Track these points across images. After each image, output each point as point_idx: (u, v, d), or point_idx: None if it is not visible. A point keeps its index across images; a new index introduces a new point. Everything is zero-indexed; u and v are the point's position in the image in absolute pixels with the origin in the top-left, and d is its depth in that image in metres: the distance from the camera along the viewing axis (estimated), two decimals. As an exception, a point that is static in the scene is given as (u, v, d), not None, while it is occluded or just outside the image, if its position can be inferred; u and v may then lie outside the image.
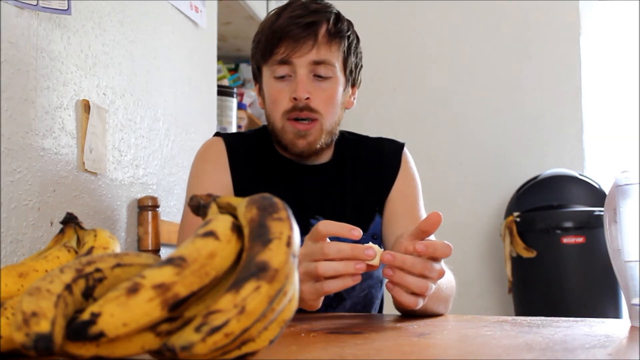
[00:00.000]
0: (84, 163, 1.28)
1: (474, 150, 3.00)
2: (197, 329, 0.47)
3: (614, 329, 0.83)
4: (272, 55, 1.21)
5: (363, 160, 1.34)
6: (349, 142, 1.35)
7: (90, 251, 0.72)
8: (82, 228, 0.78)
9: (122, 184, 1.44)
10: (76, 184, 1.27)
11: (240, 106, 2.54)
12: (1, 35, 1.08)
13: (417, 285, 0.87)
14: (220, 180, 1.27)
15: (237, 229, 0.54)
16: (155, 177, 1.59)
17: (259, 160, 1.31)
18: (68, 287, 0.49)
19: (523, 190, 2.72)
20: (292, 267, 0.51)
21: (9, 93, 1.10)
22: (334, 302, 1.28)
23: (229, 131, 2.32)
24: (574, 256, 2.52)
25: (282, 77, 1.22)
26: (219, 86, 2.14)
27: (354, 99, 1.33)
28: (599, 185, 2.65)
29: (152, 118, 1.57)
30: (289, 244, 0.51)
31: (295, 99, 1.20)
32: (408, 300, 0.88)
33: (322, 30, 1.20)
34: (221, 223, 0.53)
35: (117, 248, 0.76)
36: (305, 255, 0.89)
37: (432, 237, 1.26)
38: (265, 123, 1.32)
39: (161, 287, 0.47)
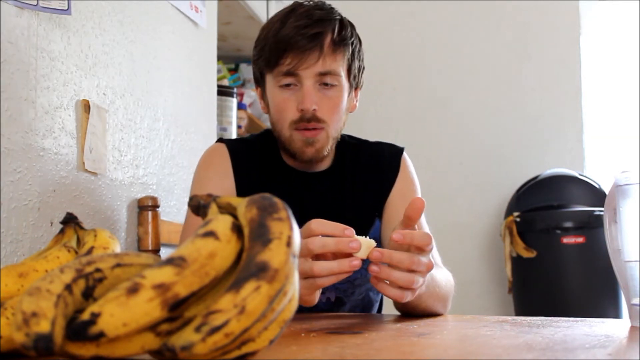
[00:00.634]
0: (84, 163, 1.28)
1: (474, 150, 3.00)
2: (197, 329, 0.47)
3: (614, 329, 0.83)
4: (277, 65, 1.20)
5: (362, 165, 1.34)
6: (349, 146, 1.36)
7: (90, 251, 0.72)
8: (82, 228, 0.78)
9: (122, 184, 1.44)
10: (76, 184, 1.27)
11: (240, 106, 2.54)
12: (1, 35, 1.08)
13: (404, 279, 0.87)
14: (223, 186, 1.27)
15: (237, 229, 0.54)
16: (155, 177, 1.59)
17: (261, 167, 1.31)
18: (68, 287, 0.49)
19: (523, 190, 2.72)
20: (292, 267, 0.51)
21: (9, 93, 1.10)
22: (334, 307, 1.28)
23: (229, 131, 2.32)
24: (574, 256, 2.52)
25: (287, 86, 1.21)
26: (219, 86, 2.14)
27: (357, 101, 1.33)
28: (599, 185, 2.65)
29: (152, 118, 1.57)
30: (289, 244, 0.51)
31: (302, 110, 1.20)
32: (395, 294, 0.89)
33: (328, 40, 1.20)
34: (221, 223, 0.53)
35: (117, 248, 0.76)
36: None
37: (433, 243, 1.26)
38: (266, 126, 1.32)
39: (161, 287, 0.47)
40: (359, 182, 1.32)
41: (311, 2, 1.25)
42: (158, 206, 1.50)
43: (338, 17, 1.24)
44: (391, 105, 3.09)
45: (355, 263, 0.86)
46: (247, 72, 2.88)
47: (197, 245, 0.51)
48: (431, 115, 3.06)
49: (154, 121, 1.58)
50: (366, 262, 0.89)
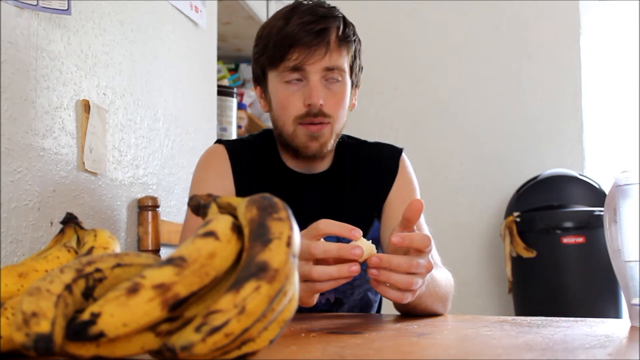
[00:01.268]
0: (84, 163, 1.28)
1: (474, 150, 3.00)
2: (197, 329, 0.47)
3: (614, 329, 0.83)
4: (283, 61, 1.20)
5: (362, 166, 1.34)
6: (348, 146, 1.36)
7: (90, 251, 0.72)
8: (82, 228, 0.78)
9: (122, 184, 1.44)
10: (76, 184, 1.27)
11: (240, 106, 2.54)
12: (1, 35, 1.08)
13: (403, 282, 0.87)
14: (223, 187, 1.27)
15: (237, 229, 0.54)
16: (155, 177, 1.59)
17: (261, 168, 1.30)
18: (68, 287, 0.49)
19: (523, 190, 2.72)
20: (292, 267, 0.51)
21: (9, 93, 1.10)
22: (333, 308, 1.28)
23: (229, 131, 2.32)
24: (574, 256, 2.52)
25: (292, 82, 1.21)
26: (219, 86, 2.14)
27: (356, 99, 1.33)
28: (599, 185, 2.65)
29: (152, 118, 1.57)
30: (289, 244, 0.51)
31: (309, 105, 1.20)
32: (395, 295, 0.89)
33: (333, 36, 1.20)
34: (221, 223, 0.53)
35: (117, 248, 0.75)
36: None
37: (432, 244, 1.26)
38: (266, 125, 1.32)
39: (161, 287, 0.47)
40: (358, 183, 1.32)
41: (311, 1, 1.25)
42: (158, 206, 1.50)
43: (340, 15, 1.25)
44: (391, 105, 3.09)
45: (354, 269, 0.86)
46: (247, 72, 2.88)
47: (197, 245, 0.51)
48: (431, 115, 3.06)
49: (154, 121, 1.58)
50: (366, 264, 0.89)
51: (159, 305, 0.47)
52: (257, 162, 1.31)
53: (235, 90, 2.41)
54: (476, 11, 3.05)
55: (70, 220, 0.78)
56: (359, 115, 2.88)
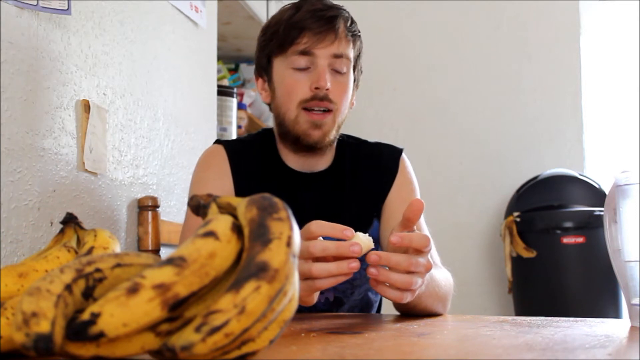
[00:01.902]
0: (84, 163, 1.28)
1: (474, 150, 3.00)
2: (197, 329, 0.47)
3: (614, 329, 0.83)
4: (292, 45, 1.21)
5: (361, 165, 1.34)
6: (348, 146, 1.36)
7: (90, 251, 0.72)
8: (82, 228, 0.78)
9: (122, 184, 1.44)
10: (76, 184, 1.27)
11: (240, 106, 2.54)
12: (1, 35, 1.08)
13: (402, 281, 0.87)
14: (222, 187, 1.27)
15: (237, 229, 0.54)
16: (155, 177, 1.59)
17: (260, 168, 1.30)
18: (68, 287, 0.49)
19: (523, 190, 2.72)
20: (292, 267, 0.51)
21: (9, 93, 1.10)
22: (333, 308, 1.28)
23: (229, 131, 2.32)
24: (574, 256, 2.52)
25: (300, 69, 1.22)
26: (219, 86, 2.14)
27: (355, 100, 1.34)
28: (599, 185, 2.65)
29: (152, 118, 1.57)
30: (289, 244, 0.51)
31: (316, 88, 1.21)
32: (394, 295, 0.89)
33: (342, 25, 1.23)
34: (221, 223, 0.53)
35: (117, 248, 0.75)
36: None
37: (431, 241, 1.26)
38: (266, 125, 1.32)
39: (161, 287, 0.47)
40: (358, 182, 1.32)
41: None
42: (158, 206, 1.50)
43: (347, 11, 1.27)
44: (391, 105, 3.09)
45: (354, 265, 0.86)
46: (247, 72, 2.88)
47: (197, 245, 0.51)
48: (431, 115, 3.06)
49: (154, 121, 1.58)
50: (366, 263, 0.89)
51: (159, 305, 0.47)
52: (257, 161, 1.31)
53: (235, 90, 2.41)
54: (476, 11, 3.05)
55: (70, 220, 0.78)
56: (359, 115, 2.88)
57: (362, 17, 1.45)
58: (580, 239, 2.49)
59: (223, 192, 1.26)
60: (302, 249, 0.88)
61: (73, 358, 0.47)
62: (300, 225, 1.06)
